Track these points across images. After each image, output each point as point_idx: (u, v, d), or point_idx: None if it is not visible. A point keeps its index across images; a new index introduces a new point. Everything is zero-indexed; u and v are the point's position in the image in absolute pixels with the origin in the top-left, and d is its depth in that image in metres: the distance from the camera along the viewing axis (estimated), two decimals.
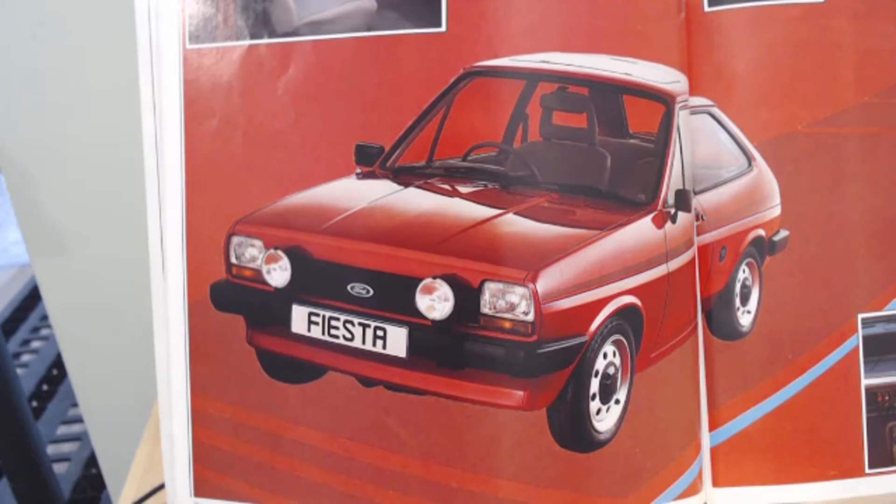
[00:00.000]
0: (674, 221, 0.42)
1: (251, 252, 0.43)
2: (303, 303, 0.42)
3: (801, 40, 0.44)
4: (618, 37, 0.41)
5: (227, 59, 0.41)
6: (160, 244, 0.43)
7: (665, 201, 0.42)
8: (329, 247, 0.42)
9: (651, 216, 0.42)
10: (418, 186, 0.43)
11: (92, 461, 1.47)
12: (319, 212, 0.42)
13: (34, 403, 1.66)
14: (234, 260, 0.43)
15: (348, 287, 0.41)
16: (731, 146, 0.44)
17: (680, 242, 0.42)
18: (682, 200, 0.42)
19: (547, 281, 0.39)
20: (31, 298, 2.07)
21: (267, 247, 0.42)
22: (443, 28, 0.40)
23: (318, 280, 0.42)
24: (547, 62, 0.40)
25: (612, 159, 0.42)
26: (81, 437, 1.55)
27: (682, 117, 0.43)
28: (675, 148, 0.43)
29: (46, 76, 0.99)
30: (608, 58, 0.41)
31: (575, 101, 0.42)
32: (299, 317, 0.42)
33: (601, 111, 0.42)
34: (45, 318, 1.98)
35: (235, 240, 0.42)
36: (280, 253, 0.42)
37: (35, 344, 1.92)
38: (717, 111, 0.44)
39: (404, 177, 0.43)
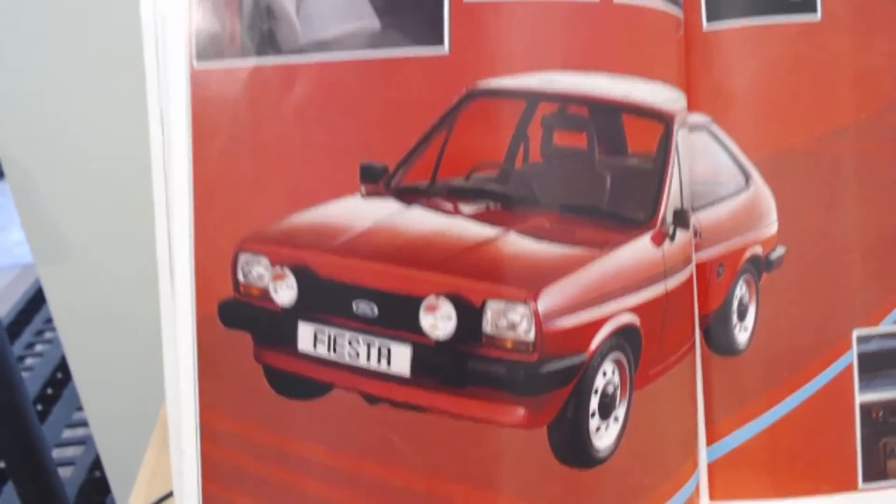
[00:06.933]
0: (672, 239, 0.43)
1: (258, 270, 0.43)
2: (309, 321, 0.42)
3: (798, 58, 0.44)
4: (617, 55, 0.42)
5: (233, 78, 0.42)
6: (168, 261, 0.44)
7: (664, 220, 0.43)
8: (335, 265, 0.42)
9: (650, 234, 0.43)
10: (422, 206, 0.43)
11: (96, 465, 1.48)
12: (325, 230, 0.42)
13: (38, 407, 1.66)
14: (241, 278, 0.43)
15: (353, 305, 0.42)
16: (728, 163, 0.45)
17: (678, 260, 0.43)
18: (681, 218, 0.43)
19: (548, 300, 0.40)
20: (35, 301, 2.08)
21: (273, 265, 0.43)
22: (445, 49, 0.40)
23: (323, 298, 0.42)
24: (547, 83, 0.41)
25: (611, 178, 0.43)
26: (86, 441, 1.56)
27: (680, 136, 0.43)
28: (673, 167, 0.43)
29: (52, 83, 1.00)
30: (608, 78, 0.41)
31: (575, 121, 0.43)
32: (305, 335, 0.43)
33: (601, 130, 0.43)
34: (48, 321, 1.98)
35: (242, 258, 0.43)
36: (286, 271, 0.43)
37: (39, 347, 1.92)
38: (715, 128, 0.44)
39: (408, 196, 0.43)
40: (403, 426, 0.41)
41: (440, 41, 0.40)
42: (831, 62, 0.44)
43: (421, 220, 0.43)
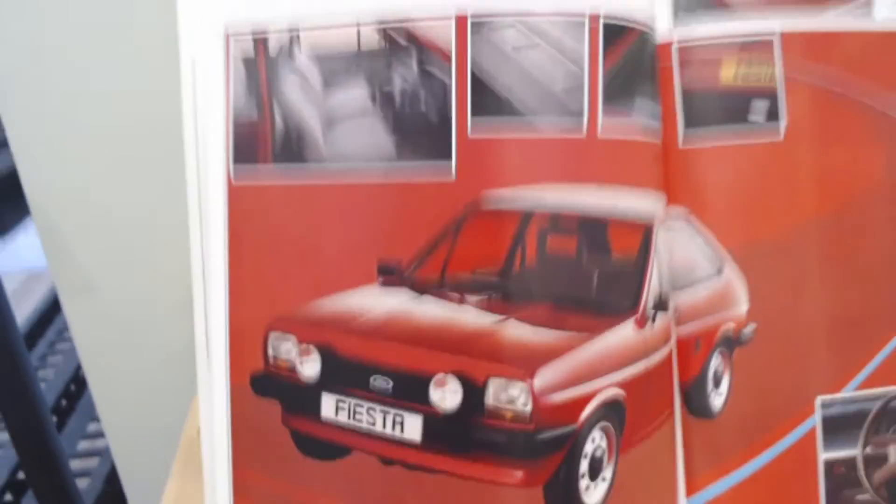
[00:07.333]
0: (654, 322, 0.48)
1: (286, 346, 0.49)
2: (331, 392, 0.48)
3: (765, 170, 0.51)
4: (603, 175, 0.47)
5: (267, 196, 0.48)
6: (205, 339, 0.49)
7: (646, 307, 0.48)
8: (355, 345, 0.48)
9: (633, 320, 0.48)
10: (432, 296, 0.49)
11: (112, 476, 1.53)
12: (346, 314, 0.48)
13: (53, 419, 1.71)
14: (270, 353, 0.49)
15: (371, 380, 0.47)
16: (704, 251, 0.50)
17: (659, 340, 0.49)
18: (661, 303, 0.49)
19: (543, 378, 0.45)
20: (48, 312, 2.13)
21: (300, 342, 0.48)
22: (452, 176, 0.46)
23: (344, 373, 0.48)
24: (542, 199, 0.46)
25: (598, 275, 0.48)
26: (102, 453, 1.61)
27: (659, 233, 0.49)
28: (653, 263, 0.49)
29: (87, 130, 1.04)
30: (595, 190, 0.47)
31: (566, 230, 0.48)
32: (328, 404, 0.48)
33: (589, 236, 0.49)
34: (61, 331, 2.04)
35: (272, 336, 0.49)
36: (311, 348, 0.48)
37: (52, 359, 1.97)
38: (691, 219, 0.50)
39: (420, 289, 0.49)
40: (415, 486, 0.47)
41: (448, 169, 0.46)
42: (794, 171, 0.51)
43: (432, 308, 0.48)
